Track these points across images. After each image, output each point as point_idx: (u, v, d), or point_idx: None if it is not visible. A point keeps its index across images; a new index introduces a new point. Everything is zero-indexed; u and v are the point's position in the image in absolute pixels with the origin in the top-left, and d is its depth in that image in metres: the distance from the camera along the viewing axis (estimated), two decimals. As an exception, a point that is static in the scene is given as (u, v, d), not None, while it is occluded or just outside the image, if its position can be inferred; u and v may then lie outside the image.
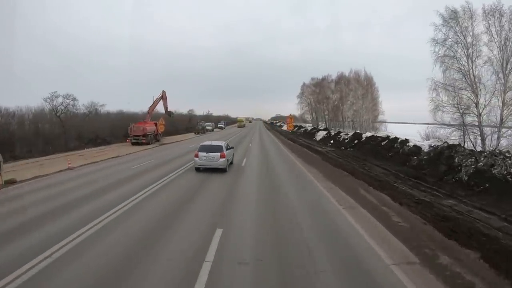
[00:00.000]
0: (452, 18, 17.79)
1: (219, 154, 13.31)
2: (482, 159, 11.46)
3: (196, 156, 13.55)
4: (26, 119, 26.83)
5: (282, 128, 72.34)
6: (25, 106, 27.34)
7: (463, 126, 18.01)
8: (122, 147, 26.26)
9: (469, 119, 18.59)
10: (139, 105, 60.23)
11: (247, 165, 16.40)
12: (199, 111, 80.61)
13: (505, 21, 16.30)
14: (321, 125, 53.23)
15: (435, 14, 18.17)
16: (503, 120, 16.77)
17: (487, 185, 10.16)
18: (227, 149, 14.26)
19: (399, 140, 19.78)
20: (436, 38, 17.89)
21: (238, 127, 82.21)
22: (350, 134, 28.78)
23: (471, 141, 17.60)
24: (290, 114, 40.84)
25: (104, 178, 12.79)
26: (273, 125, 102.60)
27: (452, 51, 17.67)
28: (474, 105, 17.56)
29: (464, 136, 18.27)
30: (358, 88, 39.60)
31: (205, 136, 40.62)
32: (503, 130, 16.88)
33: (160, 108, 35.32)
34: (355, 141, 25.22)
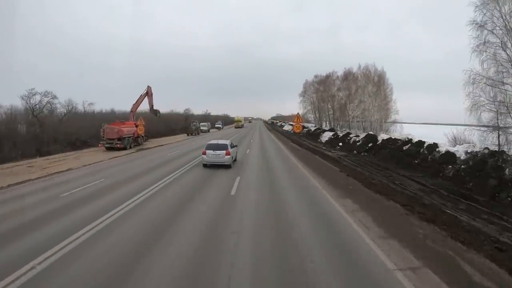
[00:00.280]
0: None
1: (224, 152, 14.55)
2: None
3: (204, 153, 14.81)
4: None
5: (284, 129, 69.29)
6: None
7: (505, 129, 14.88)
8: (94, 154, 21.89)
9: (509, 120, 15.63)
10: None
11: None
12: (198, 110, 77.42)
13: None
14: (325, 125, 50.03)
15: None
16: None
17: None
18: (231, 147, 15.48)
19: (425, 145, 16.63)
20: (476, 20, 14.60)
21: (236, 127, 69.99)
22: (362, 136, 25.46)
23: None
24: (298, 113, 32.14)
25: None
26: (273, 125, 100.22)
27: (497, 37, 14.41)
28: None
29: (506, 140, 15.14)
30: (368, 85, 35.78)
31: (198, 138, 36.80)
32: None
33: (145, 106, 30.77)
34: (369, 144, 21.97)
